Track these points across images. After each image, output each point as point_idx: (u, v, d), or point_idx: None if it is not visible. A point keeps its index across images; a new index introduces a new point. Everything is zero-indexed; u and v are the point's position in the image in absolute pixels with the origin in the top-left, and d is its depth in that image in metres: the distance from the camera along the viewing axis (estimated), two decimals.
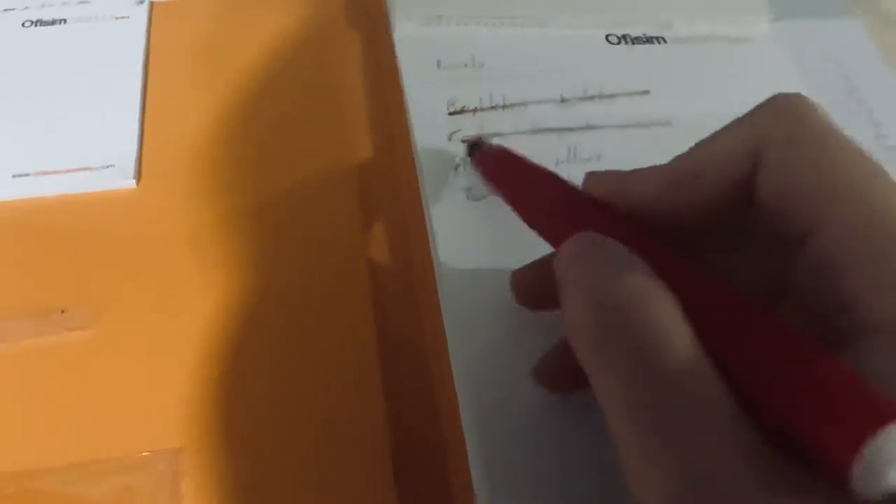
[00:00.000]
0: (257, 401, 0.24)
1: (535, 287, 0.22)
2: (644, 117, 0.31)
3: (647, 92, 0.32)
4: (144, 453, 0.23)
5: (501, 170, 0.24)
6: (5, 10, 0.33)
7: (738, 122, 0.18)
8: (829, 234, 0.15)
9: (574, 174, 0.29)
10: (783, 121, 0.17)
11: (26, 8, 0.33)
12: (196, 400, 0.24)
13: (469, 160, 0.26)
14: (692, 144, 0.19)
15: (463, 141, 0.28)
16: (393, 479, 0.23)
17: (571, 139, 0.30)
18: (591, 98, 0.32)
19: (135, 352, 0.25)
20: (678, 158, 0.19)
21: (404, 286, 0.27)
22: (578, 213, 0.20)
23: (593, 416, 0.23)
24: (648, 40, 0.35)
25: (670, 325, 0.14)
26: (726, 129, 0.18)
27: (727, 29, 0.36)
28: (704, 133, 0.19)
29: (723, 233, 0.19)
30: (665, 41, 0.35)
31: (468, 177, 0.28)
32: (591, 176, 0.21)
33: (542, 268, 0.22)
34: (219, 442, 0.23)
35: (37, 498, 0.21)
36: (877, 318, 0.14)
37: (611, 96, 0.32)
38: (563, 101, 0.31)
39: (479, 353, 0.24)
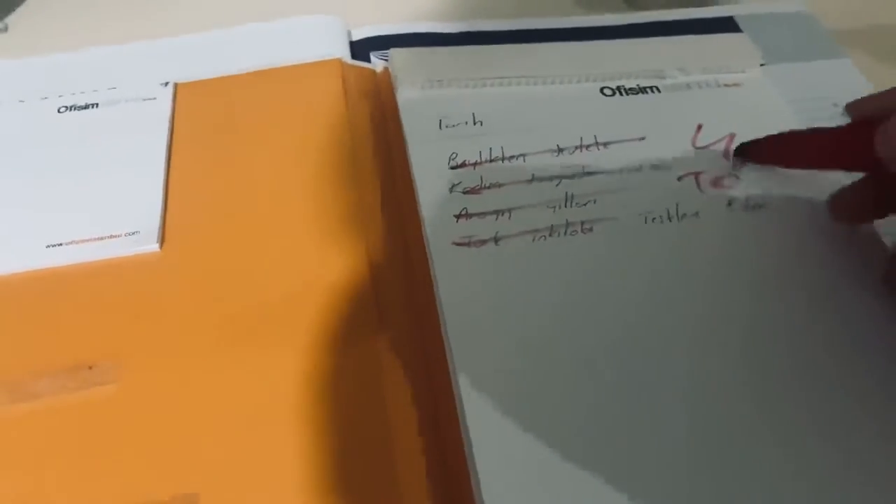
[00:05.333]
0: (272, 449, 0.25)
1: (852, 204, 0.30)
2: (639, 162, 0.32)
3: (642, 138, 0.34)
4: (165, 498, 0.24)
5: (776, 150, 0.32)
6: (42, 98, 0.36)
7: None
8: None
9: (571, 219, 0.30)
10: None
11: (60, 96, 0.36)
12: (212, 447, 0.25)
13: (738, 161, 0.33)
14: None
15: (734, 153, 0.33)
16: None
17: (568, 185, 0.31)
18: (587, 147, 0.33)
19: (157, 404, 0.26)
20: None
21: (411, 330, 0.28)
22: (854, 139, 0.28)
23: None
24: (642, 90, 0.36)
25: None
26: None
27: (719, 75, 0.37)
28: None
29: None
30: (659, 90, 0.36)
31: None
32: (851, 106, 0.29)
33: (854, 190, 0.29)
34: (234, 488, 0.24)
35: None
36: None
37: (606, 144, 0.33)
38: (559, 150, 0.33)
39: (490, 404, 0.25)
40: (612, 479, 0.24)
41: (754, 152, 0.32)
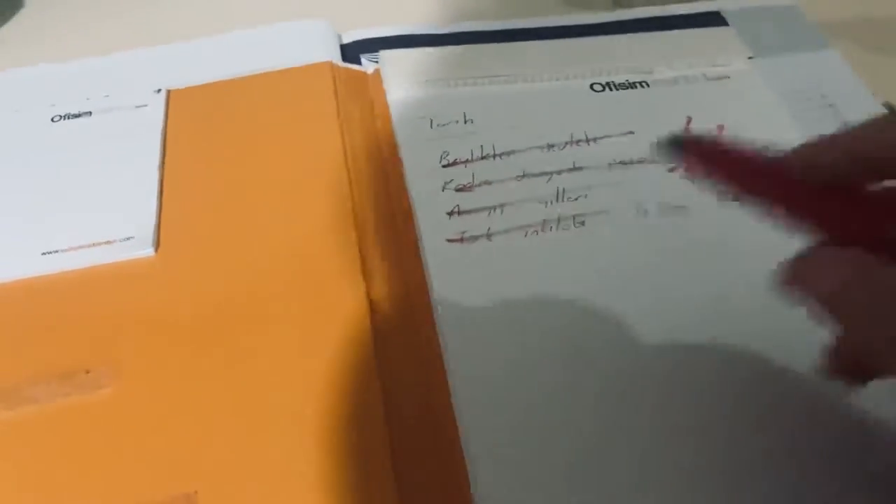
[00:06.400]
0: (269, 449, 0.25)
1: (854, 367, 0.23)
2: (629, 156, 0.33)
3: (631, 132, 0.34)
4: (162, 499, 0.24)
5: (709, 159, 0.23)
6: (36, 108, 0.36)
7: None
8: None
9: (563, 214, 0.30)
10: None
11: (54, 105, 0.36)
12: (209, 448, 0.25)
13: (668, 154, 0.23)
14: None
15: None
16: None
17: (559, 181, 0.31)
18: (577, 142, 0.33)
19: (154, 407, 0.26)
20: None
21: (404, 328, 0.28)
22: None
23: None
24: (631, 86, 0.36)
25: None
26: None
27: (707, 69, 0.37)
28: None
29: None
30: (647, 85, 0.37)
31: None
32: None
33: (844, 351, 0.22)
34: (231, 487, 0.24)
35: None
36: None
37: (596, 139, 0.33)
38: (549, 146, 0.33)
39: (484, 397, 0.26)
40: (609, 477, 0.24)
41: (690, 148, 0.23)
